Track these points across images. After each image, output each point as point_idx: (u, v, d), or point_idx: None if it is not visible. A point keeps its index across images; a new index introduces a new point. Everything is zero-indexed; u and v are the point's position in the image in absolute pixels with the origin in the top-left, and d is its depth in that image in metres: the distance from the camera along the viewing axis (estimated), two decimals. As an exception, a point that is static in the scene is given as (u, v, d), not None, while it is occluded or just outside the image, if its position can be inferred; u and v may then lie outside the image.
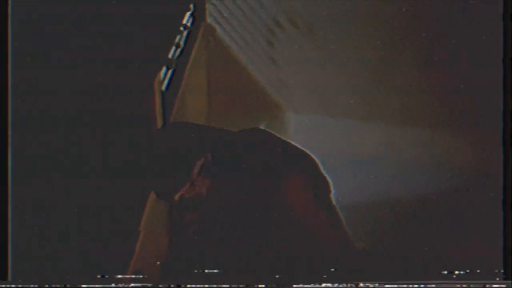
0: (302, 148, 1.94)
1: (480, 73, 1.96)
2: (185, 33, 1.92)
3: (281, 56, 1.97)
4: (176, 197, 1.89)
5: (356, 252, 1.90)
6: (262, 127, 1.96)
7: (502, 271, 1.90)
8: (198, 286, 1.86)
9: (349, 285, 1.86)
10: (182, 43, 1.92)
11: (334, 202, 1.91)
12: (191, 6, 1.93)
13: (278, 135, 1.94)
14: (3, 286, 1.80)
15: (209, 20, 1.96)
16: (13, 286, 1.80)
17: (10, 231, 1.83)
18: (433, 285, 1.87)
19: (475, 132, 1.96)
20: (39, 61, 1.88)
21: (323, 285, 1.86)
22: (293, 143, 1.94)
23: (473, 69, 1.96)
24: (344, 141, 1.96)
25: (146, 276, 1.85)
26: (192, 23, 1.94)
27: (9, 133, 1.86)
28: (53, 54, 1.88)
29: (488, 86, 1.95)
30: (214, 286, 1.86)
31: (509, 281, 1.89)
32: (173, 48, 1.92)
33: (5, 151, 1.85)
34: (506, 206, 1.92)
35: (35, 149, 1.86)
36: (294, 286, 1.86)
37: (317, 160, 1.93)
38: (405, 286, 1.88)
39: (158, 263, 1.87)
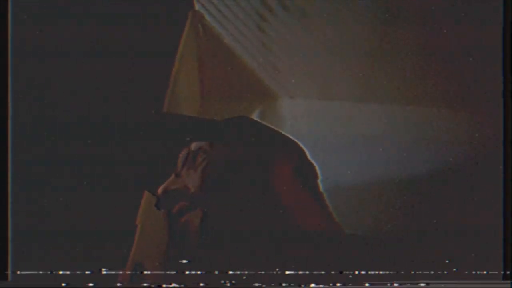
0: (289, 136, 1.87)
1: (479, 50, 1.85)
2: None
3: (273, 41, 1.88)
4: (160, 190, 1.88)
5: (345, 238, 1.85)
6: (257, 113, 1.90)
7: (502, 271, 1.81)
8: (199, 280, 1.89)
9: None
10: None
11: (321, 189, 1.86)
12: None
13: (264, 123, 1.88)
14: (3, 286, 1.88)
15: (197, 6, 1.88)
16: (13, 286, 1.89)
17: (10, 231, 1.90)
18: (432, 285, 1.81)
19: (475, 111, 1.84)
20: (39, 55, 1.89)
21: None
22: (277, 129, 1.88)
23: (472, 46, 1.86)
24: (341, 124, 1.88)
25: (148, 273, 1.88)
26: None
27: (9, 132, 1.90)
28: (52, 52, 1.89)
29: (487, 64, 1.83)
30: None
31: (509, 281, 1.80)
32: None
33: (5, 151, 1.90)
34: (506, 206, 1.81)
35: (34, 148, 1.90)
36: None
37: (303, 147, 1.87)
38: (404, 286, 1.83)
39: (158, 256, 1.89)
